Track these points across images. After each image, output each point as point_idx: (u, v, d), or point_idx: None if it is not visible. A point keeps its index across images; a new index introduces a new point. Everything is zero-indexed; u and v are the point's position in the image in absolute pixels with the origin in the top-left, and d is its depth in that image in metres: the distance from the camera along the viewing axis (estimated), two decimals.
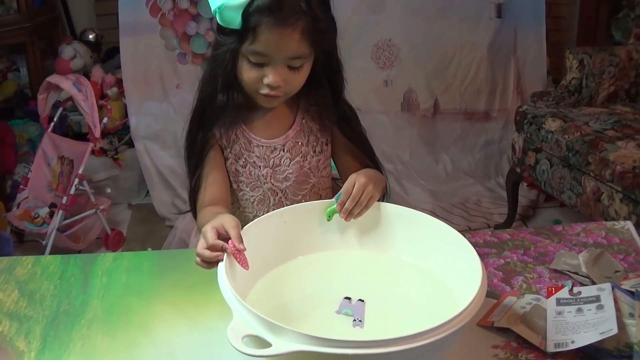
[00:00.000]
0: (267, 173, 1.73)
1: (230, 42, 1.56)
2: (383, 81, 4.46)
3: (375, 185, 1.50)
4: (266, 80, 1.56)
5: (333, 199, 1.51)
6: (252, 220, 1.72)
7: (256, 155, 1.73)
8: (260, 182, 1.74)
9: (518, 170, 3.69)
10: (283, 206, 1.70)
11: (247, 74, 1.58)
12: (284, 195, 1.76)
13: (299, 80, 1.62)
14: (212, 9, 1.51)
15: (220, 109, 1.66)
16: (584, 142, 3.11)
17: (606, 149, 2.99)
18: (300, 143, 1.75)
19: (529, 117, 3.51)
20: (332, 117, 1.75)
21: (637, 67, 3.67)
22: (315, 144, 1.77)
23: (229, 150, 1.73)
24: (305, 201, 1.76)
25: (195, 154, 1.71)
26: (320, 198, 1.81)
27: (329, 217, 1.50)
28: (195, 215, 1.73)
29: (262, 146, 1.73)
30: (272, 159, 1.73)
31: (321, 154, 1.78)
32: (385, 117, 4.39)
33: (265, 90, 1.59)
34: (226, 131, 1.71)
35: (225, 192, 1.72)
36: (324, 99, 1.72)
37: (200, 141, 1.70)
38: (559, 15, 4.85)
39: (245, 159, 1.73)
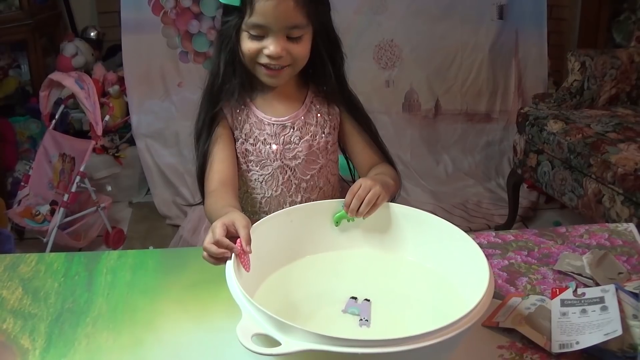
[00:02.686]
0: (277, 150, 1.75)
1: (233, 19, 1.64)
2: (384, 81, 4.48)
3: (383, 186, 1.50)
4: (266, 51, 1.62)
5: (340, 201, 1.51)
6: (260, 202, 1.77)
7: (267, 133, 1.75)
8: (270, 160, 1.76)
9: (519, 171, 3.69)
10: (292, 185, 1.77)
11: (247, 46, 1.64)
12: (292, 174, 1.78)
13: (299, 50, 1.66)
14: None
15: (225, 83, 1.72)
16: (585, 144, 3.11)
17: (608, 151, 2.99)
18: (309, 123, 1.78)
19: (530, 119, 3.52)
20: (338, 98, 1.80)
21: (639, 70, 3.67)
22: (323, 124, 1.79)
23: (239, 130, 1.77)
24: (313, 182, 1.81)
25: (204, 132, 1.75)
26: (328, 182, 1.84)
27: (337, 223, 1.51)
28: (202, 196, 1.75)
29: (273, 124, 1.76)
30: (283, 137, 1.76)
31: (330, 136, 1.81)
32: (387, 117, 4.40)
33: (265, 60, 1.63)
34: (235, 108, 1.76)
35: (233, 171, 1.74)
36: (328, 77, 1.76)
37: (209, 118, 1.75)
38: (560, 18, 4.86)
39: (255, 137, 1.76)
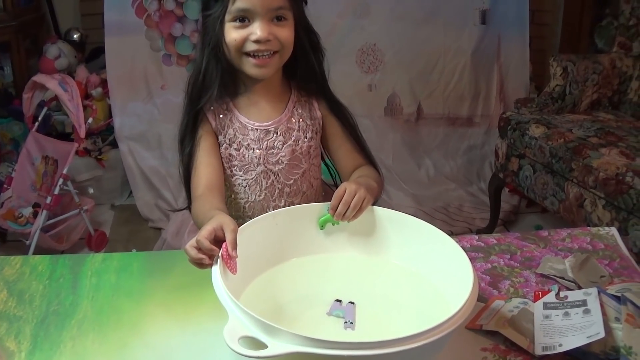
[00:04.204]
0: (260, 155, 1.76)
1: (215, 11, 1.64)
2: (367, 85, 4.49)
3: (367, 189, 1.51)
4: (253, 37, 1.62)
5: (325, 204, 1.52)
6: (244, 207, 1.78)
7: (250, 138, 1.76)
8: (254, 165, 1.77)
9: (501, 175, 3.71)
10: (275, 189, 1.78)
11: (233, 36, 1.64)
12: (276, 178, 1.79)
13: (285, 35, 1.66)
14: None
15: (206, 80, 1.72)
16: (567, 149, 3.14)
17: (589, 156, 3.02)
18: (292, 128, 1.79)
19: (512, 123, 3.54)
20: (320, 95, 1.83)
21: (620, 75, 3.71)
22: (306, 129, 1.80)
23: (223, 135, 1.77)
24: (296, 186, 1.82)
25: (188, 135, 1.75)
26: (311, 186, 1.86)
27: (322, 227, 1.52)
28: (189, 199, 1.77)
29: (257, 129, 1.76)
30: (266, 142, 1.76)
31: (312, 140, 1.82)
32: (369, 121, 4.39)
33: (253, 47, 1.63)
34: (218, 112, 1.76)
35: (219, 175, 1.75)
36: (311, 70, 1.78)
37: (192, 121, 1.75)
38: (542, 23, 4.89)
39: (239, 142, 1.76)
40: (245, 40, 1.63)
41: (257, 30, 1.61)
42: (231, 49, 1.65)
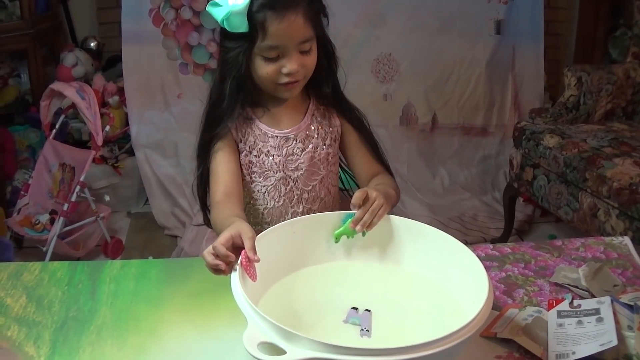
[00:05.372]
0: (279, 161, 1.78)
1: (241, 45, 1.65)
2: (382, 95, 4.49)
3: (385, 197, 1.52)
4: (285, 70, 1.64)
5: (340, 214, 1.53)
6: (262, 213, 1.79)
7: (270, 145, 1.78)
8: (273, 171, 1.79)
9: (515, 185, 3.72)
10: (294, 196, 1.79)
11: (265, 69, 1.66)
12: (295, 184, 1.80)
13: (311, 61, 1.69)
14: (219, 20, 1.59)
15: (229, 107, 1.73)
16: (581, 159, 3.14)
17: (603, 166, 3.02)
18: (311, 135, 1.80)
19: (527, 133, 3.54)
20: (336, 103, 1.85)
21: (635, 85, 3.71)
22: (324, 136, 1.82)
23: (243, 143, 1.79)
24: (314, 193, 1.83)
25: (207, 145, 1.77)
26: (329, 193, 1.87)
27: (337, 239, 1.52)
28: (202, 207, 1.81)
29: (277, 136, 1.78)
30: (285, 149, 1.78)
31: (330, 147, 1.83)
32: (384, 130, 4.37)
33: (285, 80, 1.66)
34: (239, 121, 1.77)
35: (238, 182, 1.76)
36: (327, 81, 1.80)
37: (209, 141, 1.76)
38: (557, 33, 4.89)
39: (259, 149, 1.78)
40: (278, 72, 1.65)
41: (287, 64, 1.63)
42: (265, 81, 1.68)
